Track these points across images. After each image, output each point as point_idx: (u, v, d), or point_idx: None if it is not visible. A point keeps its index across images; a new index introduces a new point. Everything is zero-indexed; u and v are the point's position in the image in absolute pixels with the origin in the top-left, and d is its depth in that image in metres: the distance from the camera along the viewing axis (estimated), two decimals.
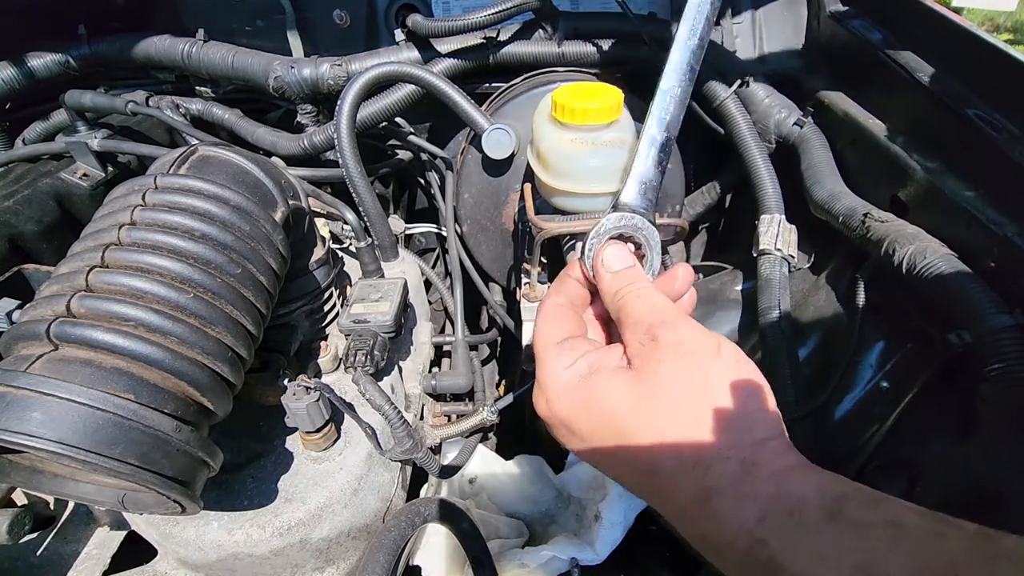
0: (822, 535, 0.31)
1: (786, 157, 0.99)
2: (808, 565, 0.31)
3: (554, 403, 0.40)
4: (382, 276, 0.89)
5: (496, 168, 0.99)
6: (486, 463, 0.97)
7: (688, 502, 0.35)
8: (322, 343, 0.78)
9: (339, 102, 0.87)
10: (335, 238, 0.95)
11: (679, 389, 0.36)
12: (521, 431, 1.20)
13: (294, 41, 1.08)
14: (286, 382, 0.70)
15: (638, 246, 0.47)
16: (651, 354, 0.37)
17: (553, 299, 0.46)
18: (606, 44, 1.00)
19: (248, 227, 0.59)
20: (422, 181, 1.22)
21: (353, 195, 0.90)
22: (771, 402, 0.37)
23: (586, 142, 0.75)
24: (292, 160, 1.04)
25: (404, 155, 1.15)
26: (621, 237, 0.46)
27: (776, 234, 0.90)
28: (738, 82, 1.02)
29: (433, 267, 1.26)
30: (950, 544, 0.28)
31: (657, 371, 0.37)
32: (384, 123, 1.04)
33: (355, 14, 1.10)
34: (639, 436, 0.37)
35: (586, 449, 0.40)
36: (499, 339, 1.27)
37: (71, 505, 0.73)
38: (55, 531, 0.72)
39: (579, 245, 0.46)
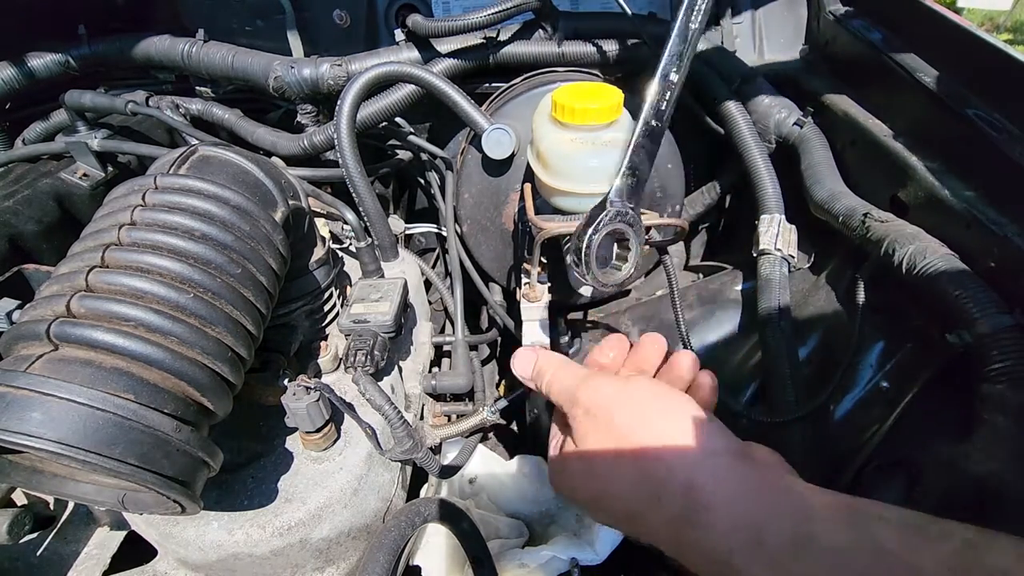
0: (793, 566, 0.31)
1: (786, 157, 0.99)
2: None
3: (550, 474, 0.50)
4: (382, 276, 0.89)
5: (496, 168, 0.99)
6: (486, 463, 0.97)
7: (666, 537, 0.39)
8: (322, 343, 0.78)
9: (339, 102, 0.87)
10: (335, 238, 0.95)
11: (601, 451, 0.42)
12: (521, 431, 1.20)
13: (294, 41, 1.08)
14: (286, 382, 0.70)
15: (624, 240, 0.53)
16: (576, 431, 0.44)
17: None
18: (606, 44, 1.00)
19: (248, 227, 0.59)
20: (422, 181, 1.22)
21: (353, 195, 0.90)
22: (697, 421, 0.39)
23: (586, 142, 0.75)
24: (292, 160, 1.04)
25: (404, 155, 1.15)
26: (613, 233, 0.53)
27: (776, 234, 0.90)
28: (738, 82, 1.02)
29: (433, 267, 1.26)
30: (931, 566, 0.28)
31: (585, 443, 0.43)
32: (384, 123, 1.04)
33: (355, 14, 1.10)
34: (600, 499, 0.43)
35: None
36: (499, 339, 1.26)
37: (71, 505, 0.73)
38: (55, 531, 0.72)
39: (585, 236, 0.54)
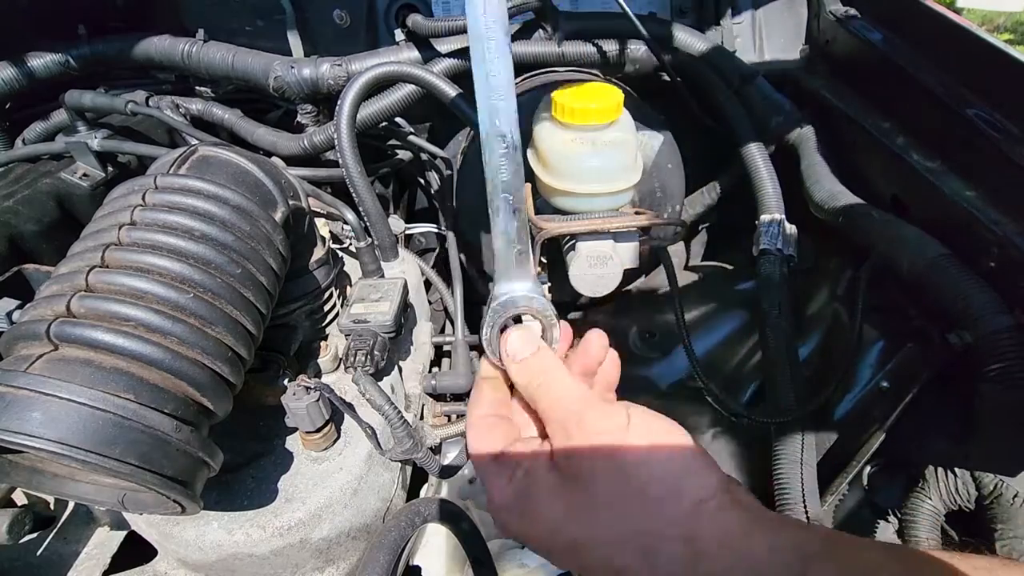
0: None
1: (786, 157, 0.99)
2: None
3: (503, 518, 0.41)
4: (382, 276, 0.89)
5: None
6: None
7: None
8: (322, 343, 0.78)
9: (339, 102, 0.87)
10: (335, 238, 0.95)
11: (602, 485, 0.36)
12: None
13: (294, 41, 1.08)
14: (286, 382, 0.70)
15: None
16: (571, 455, 0.38)
17: (475, 411, 0.44)
18: (606, 44, 1.00)
19: (248, 227, 0.59)
20: (422, 181, 1.22)
21: (353, 195, 0.90)
22: (696, 457, 0.36)
23: (586, 142, 0.75)
24: (292, 160, 1.04)
25: (404, 155, 1.15)
26: (519, 320, 0.43)
27: (776, 234, 0.90)
28: (738, 82, 1.02)
29: (433, 267, 1.26)
30: None
31: (579, 474, 0.37)
32: (384, 123, 1.04)
33: (355, 14, 1.10)
34: (585, 543, 0.37)
35: (545, 555, 0.41)
36: None
37: (71, 505, 0.73)
38: (55, 531, 0.72)
39: (485, 333, 0.43)
